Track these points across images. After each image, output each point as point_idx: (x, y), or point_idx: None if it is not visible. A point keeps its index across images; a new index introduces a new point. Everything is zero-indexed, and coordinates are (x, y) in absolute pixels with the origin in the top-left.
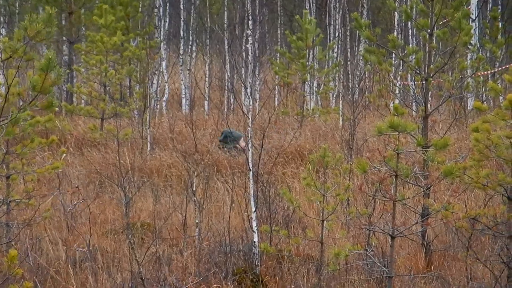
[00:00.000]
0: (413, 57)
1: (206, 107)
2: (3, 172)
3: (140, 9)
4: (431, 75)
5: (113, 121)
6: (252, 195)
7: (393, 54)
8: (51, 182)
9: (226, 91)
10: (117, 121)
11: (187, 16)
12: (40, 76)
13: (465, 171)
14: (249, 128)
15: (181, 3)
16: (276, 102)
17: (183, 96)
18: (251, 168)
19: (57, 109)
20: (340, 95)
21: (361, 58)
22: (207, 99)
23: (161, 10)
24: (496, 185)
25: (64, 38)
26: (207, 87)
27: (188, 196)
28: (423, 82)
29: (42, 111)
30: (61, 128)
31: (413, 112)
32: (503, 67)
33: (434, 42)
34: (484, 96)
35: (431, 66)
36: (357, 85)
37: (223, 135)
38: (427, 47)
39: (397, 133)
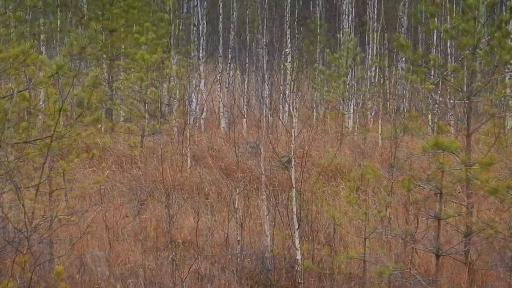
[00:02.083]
0: (455, 75)
1: (244, 125)
2: (46, 189)
3: (181, 27)
4: (474, 93)
5: (153, 138)
6: (295, 212)
7: (433, 73)
8: (93, 199)
9: (264, 109)
10: (158, 138)
11: (225, 34)
12: (87, 92)
13: (509, 190)
14: (291, 145)
15: (220, 21)
16: (315, 120)
17: (222, 114)
18: (293, 185)
19: (100, 125)
20: (379, 113)
21: (399, 77)
22: (245, 117)
23: (200, 28)
24: None
25: (104, 55)
26: (245, 105)
27: (230, 213)
28: (466, 100)
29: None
30: (102, 144)
31: (454, 131)
32: None
33: (476, 61)
34: None
35: (473, 84)
36: (396, 104)
37: (287, 158)
38: (466, 66)
39: (442, 151)
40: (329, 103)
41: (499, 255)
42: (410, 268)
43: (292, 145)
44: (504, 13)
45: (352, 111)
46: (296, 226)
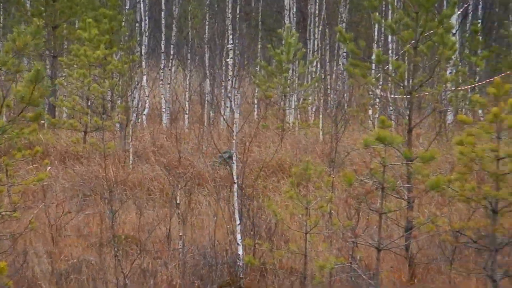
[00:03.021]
0: (397, 70)
1: (186, 121)
2: None
3: (123, 23)
4: (415, 88)
5: (96, 134)
6: (236, 208)
7: (374, 67)
8: (35, 195)
9: (206, 105)
10: (101, 134)
11: (167, 31)
12: (28, 87)
13: (449, 184)
14: (233, 141)
15: (162, 17)
16: (256, 116)
17: (164, 110)
18: (235, 181)
19: (42, 121)
20: (320, 109)
21: (340, 72)
22: (187, 113)
23: (143, 25)
24: (481, 198)
25: (47, 51)
26: (187, 101)
27: (172, 209)
28: (407, 95)
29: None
30: (45, 141)
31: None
32: (485, 81)
33: (418, 56)
34: (463, 110)
35: (415, 79)
36: (337, 99)
37: (228, 154)
38: (408, 61)
39: (384, 146)
40: (271, 99)
41: (440, 249)
42: (351, 263)
43: (233, 141)
44: (445, 8)
45: (293, 106)
46: (238, 222)
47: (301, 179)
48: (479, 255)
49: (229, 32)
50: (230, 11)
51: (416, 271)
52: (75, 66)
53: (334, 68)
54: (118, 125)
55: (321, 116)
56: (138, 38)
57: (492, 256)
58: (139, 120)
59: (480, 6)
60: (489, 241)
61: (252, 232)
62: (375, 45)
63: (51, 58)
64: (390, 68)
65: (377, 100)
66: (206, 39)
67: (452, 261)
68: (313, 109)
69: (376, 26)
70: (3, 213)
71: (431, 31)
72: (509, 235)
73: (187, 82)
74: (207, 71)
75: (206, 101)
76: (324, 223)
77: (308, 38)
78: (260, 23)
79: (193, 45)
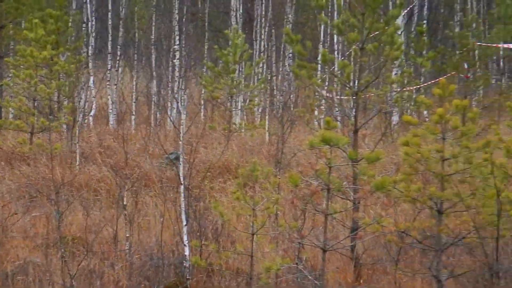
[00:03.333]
0: (343, 71)
1: (133, 122)
2: None
3: (70, 24)
4: (361, 89)
5: (42, 135)
6: (183, 209)
7: (320, 68)
8: None
9: (153, 106)
10: (48, 135)
11: (114, 31)
12: None
13: (395, 185)
14: (180, 142)
15: (109, 18)
16: (202, 117)
17: (110, 111)
18: (182, 182)
19: None
20: (266, 110)
21: (286, 73)
22: (134, 114)
23: (89, 25)
24: (426, 199)
25: None
26: (134, 102)
27: (118, 210)
28: (353, 96)
29: None
30: None
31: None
32: (431, 82)
33: (365, 56)
34: (409, 111)
35: (361, 80)
36: (283, 100)
37: (175, 155)
38: (354, 62)
39: (330, 147)
40: (217, 100)
41: (385, 250)
42: (297, 263)
43: (180, 142)
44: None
45: (239, 107)
46: (184, 223)
47: (248, 180)
48: (424, 255)
49: (176, 33)
50: (177, 12)
51: (361, 271)
52: (21, 66)
53: (281, 69)
54: (64, 126)
55: (267, 117)
56: (85, 39)
57: (437, 257)
58: (86, 121)
59: (425, 7)
60: (434, 242)
61: (198, 233)
62: (321, 46)
63: None
64: (336, 69)
65: (323, 101)
66: (153, 40)
67: (398, 261)
68: (260, 110)
69: (323, 27)
70: None
71: (377, 32)
72: (454, 236)
73: (134, 83)
74: (154, 72)
75: (153, 102)
76: (270, 224)
77: (254, 39)
78: (207, 24)
79: (140, 46)
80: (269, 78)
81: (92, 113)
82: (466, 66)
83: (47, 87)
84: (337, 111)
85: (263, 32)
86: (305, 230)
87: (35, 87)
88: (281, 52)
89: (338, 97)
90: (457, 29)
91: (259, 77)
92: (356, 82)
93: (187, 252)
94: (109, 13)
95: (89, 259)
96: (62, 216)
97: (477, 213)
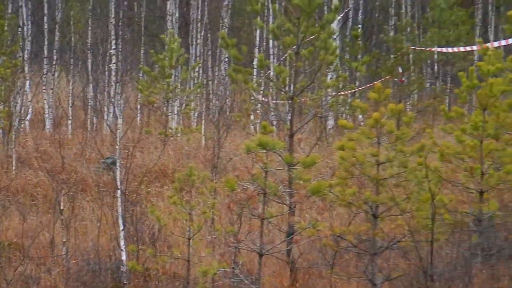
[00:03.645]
0: (279, 76)
1: (69, 126)
2: None
3: (5, 28)
4: (297, 94)
5: None
6: (120, 213)
7: (256, 73)
8: None
9: (89, 111)
10: None
11: (50, 35)
12: None
13: (330, 189)
14: (116, 147)
15: (45, 22)
16: (139, 122)
17: (47, 115)
18: (118, 187)
19: None
20: (202, 114)
21: (222, 77)
22: (70, 118)
23: (25, 29)
24: (362, 203)
25: None
26: (70, 107)
27: (55, 215)
28: (289, 101)
29: None
30: None
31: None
32: (366, 86)
33: (300, 61)
34: (344, 115)
35: (297, 85)
36: (219, 105)
37: (112, 160)
38: (289, 66)
39: (265, 151)
40: (153, 104)
41: (321, 254)
42: (233, 268)
43: (117, 147)
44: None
45: (176, 112)
46: (121, 227)
47: (184, 184)
48: (360, 259)
49: (112, 37)
50: (113, 16)
51: (297, 275)
52: None
53: (217, 74)
54: (0, 130)
55: (203, 121)
56: (21, 43)
57: (372, 260)
58: (22, 125)
59: (360, 11)
60: (369, 245)
61: (135, 238)
62: (257, 51)
63: None
64: (272, 73)
65: (259, 105)
66: (89, 44)
67: (333, 265)
68: (196, 115)
69: (258, 31)
70: None
71: (313, 36)
72: (389, 239)
73: (70, 88)
74: (90, 77)
75: (89, 107)
76: (207, 228)
77: (190, 43)
78: (143, 28)
79: (76, 50)
80: (205, 82)
81: (28, 118)
82: (400, 70)
83: None
84: (273, 116)
85: (199, 36)
86: (241, 235)
87: None
88: (217, 57)
89: (274, 101)
90: (391, 33)
91: (195, 82)
92: (292, 87)
93: (124, 257)
94: (45, 17)
95: (25, 264)
96: None
97: (411, 217)
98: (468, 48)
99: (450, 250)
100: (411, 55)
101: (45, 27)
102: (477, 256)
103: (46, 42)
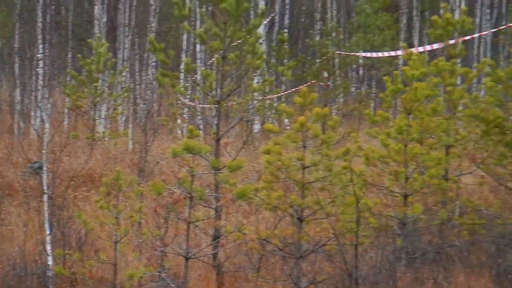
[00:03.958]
0: (205, 80)
1: None
2: None
3: None
4: (223, 98)
5: None
6: (47, 218)
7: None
8: None
9: (16, 115)
10: None
11: None
12: None
13: (256, 193)
14: (43, 151)
15: None
16: (66, 126)
17: None
18: (45, 191)
19: None
20: (130, 118)
21: (150, 82)
22: None
23: None
24: (287, 206)
25: None
26: None
27: None
28: (215, 105)
29: None
30: None
31: (202, 134)
32: (292, 90)
33: (227, 65)
34: (270, 119)
35: (224, 89)
36: (147, 109)
37: (38, 164)
38: (216, 70)
39: (192, 155)
40: (81, 109)
41: (247, 257)
42: (160, 271)
43: (43, 151)
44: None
45: (103, 116)
46: (48, 232)
47: (111, 189)
48: (285, 262)
49: (40, 41)
50: (40, 20)
51: (224, 279)
52: None
53: (144, 78)
54: None
55: (130, 125)
56: None
57: (297, 264)
58: None
59: (286, 16)
60: (295, 249)
61: (62, 242)
62: (184, 55)
63: None
64: (199, 77)
65: (186, 109)
66: (17, 48)
67: (259, 269)
68: (123, 119)
69: (185, 36)
70: None
71: (239, 41)
72: (314, 243)
73: None
74: (18, 81)
75: (16, 111)
76: (134, 232)
77: (118, 47)
78: (70, 32)
79: (3, 54)
80: (132, 86)
81: None
82: (326, 74)
83: None
84: (199, 120)
85: (126, 41)
86: (168, 238)
87: None
88: (145, 61)
89: (201, 105)
90: (317, 38)
91: (123, 86)
92: (219, 91)
93: (50, 262)
94: None
95: None
96: None
97: (336, 220)
98: (393, 53)
99: (375, 253)
100: (336, 60)
101: None
102: (402, 260)
103: None
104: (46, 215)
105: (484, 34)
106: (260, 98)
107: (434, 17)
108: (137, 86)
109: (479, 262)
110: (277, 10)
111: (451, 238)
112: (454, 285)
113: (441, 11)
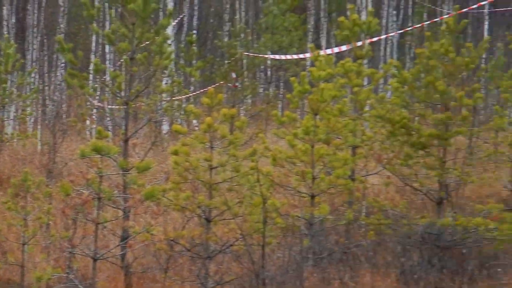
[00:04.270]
0: (114, 81)
1: None
2: None
3: None
4: (132, 99)
5: None
6: None
7: (92, 78)
8: None
9: None
10: None
11: None
12: None
13: (164, 194)
14: None
15: None
16: None
17: None
18: None
19: None
20: (39, 119)
21: (58, 83)
22: None
23: None
24: (195, 207)
25: None
26: None
27: None
28: (124, 106)
29: None
30: None
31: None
32: (200, 91)
33: (135, 66)
34: (179, 120)
35: (132, 90)
36: (55, 110)
37: None
38: (125, 71)
39: (100, 156)
40: None
41: (155, 258)
42: (68, 273)
43: None
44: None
45: (11, 117)
46: None
47: (19, 190)
48: (194, 263)
49: None
50: None
51: (132, 280)
52: None
53: (53, 79)
54: None
55: (39, 127)
56: None
57: (205, 264)
58: None
59: (195, 17)
60: (203, 249)
61: None
62: (93, 56)
63: None
64: (108, 78)
65: (95, 110)
66: None
67: (167, 269)
68: (32, 120)
69: (94, 36)
70: None
71: (148, 42)
72: (222, 243)
73: None
74: None
75: None
76: (42, 234)
77: (27, 49)
78: None
79: None
80: (41, 88)
81: None
82: (234, 75)
83: None
84: (108, 121)
85: (35, 42)
86: (76, 240)
87: None
88: (54, 62)
89: (110, 106)
90: (226, 39)
91: (32, 87)
92: (127, 92)
93: None
94: None
95: None
96: None
97: (244, 221)
98: (301, 56)
99: (282, 253)
100: (244, 61)
101: None
102: (308, 260)
103: None
104: None
105: (391, 36)
106: (169, 99)
107: (341, 18)
108: (46, 87)
109: (385, 262)
110: (186, 12)
111: (357, 238)
112: (360, 285)
113: (348, 13)
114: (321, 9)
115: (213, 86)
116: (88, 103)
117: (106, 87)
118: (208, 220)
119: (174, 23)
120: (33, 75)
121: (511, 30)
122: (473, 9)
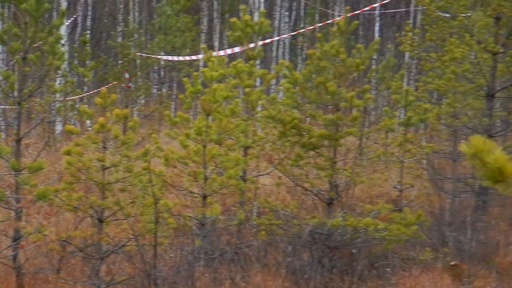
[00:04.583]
0: (6, 81)
1: None
2: None
3: None
4: (24, 99)
5: None
6: None
7: None
8: None
9: None
10: None
11: None
12: None
13: (57, 194)
14: None
15: None
16: None
17: None
18: None
19: None
20: None
21: None
22: None
23: None
24: (88, 207)
25: None
26: None
27: None
28: (16, 106)
29: None
30: None
31: (4, 136)
32: (93, 91)
33: (28, 66)
34: (72, 120)
35: (25, 89)
36: None
37: None
38: (17, 71)
39: None
40: None
41: (47, 258)
42: None
43: None
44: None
45: None
46: None
47: None
48: (86, 263)
49: None
50: None
51: (23, 281)
52: None
53: None
54: None
55: None
56: None
57: (97, 265)
58: None
59: (89, 17)
60: (95, 250)
61: None
62: None
63: None
64: (0, 78)
65: None
66: None
67: (59, 270)
68: None
69: None
70: None
71: (41, 42)
72: (114, 244)
73: None
74: None
75: None
76: None
77: None
78: None
79: None
80: None
81: None
82: (127, 75)
83: None
84: (0, 121)
85: None
86: None
87: None
88: None
89: (2, 106)
90: (119, 39)
91: None
92: (20, 92)
93: None
94: None
95: None
96: None
97: (136, 221)
98: (194, 57)
99: (174, 253)
100: (138, 61)
101: None
102: (200, 260)
103: None
104: None
105: (283, 37)
106: (62, 99)
107: (233, 19)
108: None
109: (276, 262)
110: (79, 12)
111: (249, 238)
112: (251, 284)
113: (241, 14)
114: (214, 10)
115: (106, 86)
116: None
117: None
118: (101, 220)
119: (68, 23)
120: None
121: (401, 32)
122: (364, 11)
